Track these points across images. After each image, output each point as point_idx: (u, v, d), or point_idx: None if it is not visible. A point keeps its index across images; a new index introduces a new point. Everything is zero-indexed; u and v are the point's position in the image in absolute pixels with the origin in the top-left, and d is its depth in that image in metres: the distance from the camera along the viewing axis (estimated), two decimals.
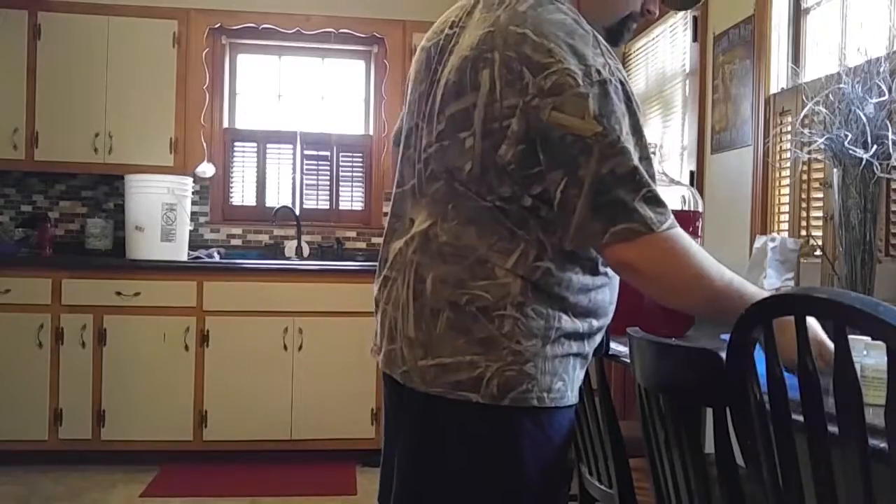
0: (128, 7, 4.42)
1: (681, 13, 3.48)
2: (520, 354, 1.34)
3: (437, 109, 1.41)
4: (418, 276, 1.40)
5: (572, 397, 1.42)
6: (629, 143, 1.28)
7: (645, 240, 1.26)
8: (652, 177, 1.29)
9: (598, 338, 1.47)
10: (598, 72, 1.28)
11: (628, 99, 1.31)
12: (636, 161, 1.27)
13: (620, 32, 1.52)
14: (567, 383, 1.39)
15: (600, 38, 1.35)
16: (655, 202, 1.27)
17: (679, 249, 1.29)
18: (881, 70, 1.97)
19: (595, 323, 1.43)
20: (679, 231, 1.29)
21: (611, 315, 1.48)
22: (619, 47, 1.55)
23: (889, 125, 1.93)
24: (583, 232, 1.29)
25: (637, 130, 1.30)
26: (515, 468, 1.37)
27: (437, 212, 1.40)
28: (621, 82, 1.30)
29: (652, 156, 1.34)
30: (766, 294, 1.31)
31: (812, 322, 1.30)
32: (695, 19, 3.43)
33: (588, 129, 1.26)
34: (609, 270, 1.41)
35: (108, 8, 4.40)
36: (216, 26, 4.63)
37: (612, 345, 2.00)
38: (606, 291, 1.43)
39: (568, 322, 1.38)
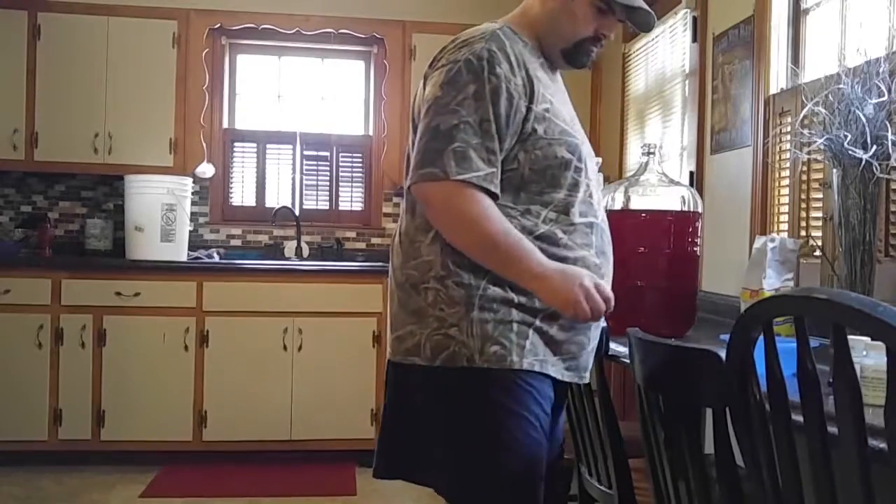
0: (127, 7, 4.41)
1: (680, 14, 3.48)
2: (443, 321, 1.55)
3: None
4: (390, 269, 1.71)
5: (521, 363, 1.55)
6: (464, 106, 1.51)
7: (438, 184, 1.51)
8: (486, 135, 1.51)
9: (559, 318, 1.58)
10: (464, 54, 1.54)
11: (482, 71, 1.52)
12: (462, 120, 1.50)
13: (578, 55, 1.70)
14: (509, 348, 1.54)
15: (507, 36, 1.59)
16: (462, 157, 1.50)
17: (461, 198, 1.50)
18: (881, 70, 1.97)
19: (538, 300, 1.56)
20: (475, 192, 1.50)
21: None
22: (582, 69, 1.76)
23: (888, 126, 1.93)
24: (410, 175, 1.56)
25: (481, 97, 1.51)
26: (462, 423, 1.56)
27: (401, 211, 1.70)
28: (484, 60, 1.53)
29: (501, 124, 1.53)
30: (537, 263, 1.53)
31: (585, 274, 1.54)
32: (694, 20, 3.43)
33: (432, 94, 1.55)
34: (561, 252, 1.58)
35: (107, 8, 4.39)
36: (216, 27, 4.63)
37: (612, 345, 2.01)
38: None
39: (497, 290, 1.55)
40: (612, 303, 1.58)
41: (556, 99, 1.66)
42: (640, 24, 1.74)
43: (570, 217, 1.61)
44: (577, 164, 1.62)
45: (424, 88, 1.61)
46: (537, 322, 1.56)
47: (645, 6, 1.69)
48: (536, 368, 1.56)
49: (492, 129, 1.52)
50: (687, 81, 3.54)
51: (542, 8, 1.68)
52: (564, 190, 1.61)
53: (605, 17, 1.66)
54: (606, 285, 1.60)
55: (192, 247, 4.54)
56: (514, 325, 1.54)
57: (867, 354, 1.33)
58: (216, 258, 4.56)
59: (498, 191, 1.55)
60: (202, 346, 4.14)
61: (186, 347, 4.12)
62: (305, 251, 4.78)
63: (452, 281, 1.54)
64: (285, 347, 4.19)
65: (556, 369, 1.60)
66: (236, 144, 4.95)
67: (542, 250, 1.55)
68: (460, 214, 1.51)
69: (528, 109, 1.56)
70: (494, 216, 1.51)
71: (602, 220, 1.70)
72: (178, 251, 4.32)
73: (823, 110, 2.08)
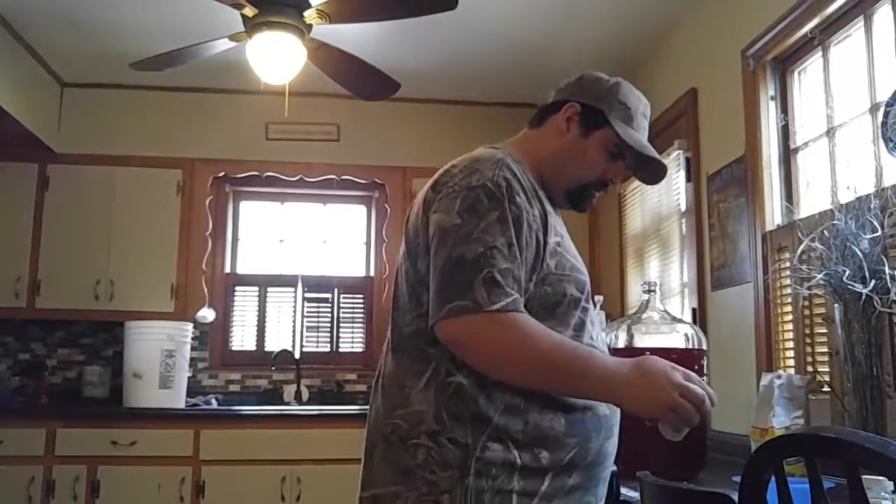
0: (134, 157, 4.54)
1: (673, 155, 3.57)
2: (434, 485, 1.32)
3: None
4: (371, 411, 1.51)
5: None
6: (489, 233, 1.35)
7: (470, 317, 1.31)
8: (514, 261, 1.34)
9: (568, 479, 1.35)
10: (479, 180, 1.40)
11: (502, 198, 1.38)
12: (488, 246, 1.34)
13: (581, 198, 1.60)
14: None
15: (513, 164, 1.45)
16: (493, 284, 1.32)
17: (499, 328, 1.32)
18: (872, 206, 2.00)
19: (546, 455, 1.34)
20: (513, 316, 1.32)
21: (573, 451, 1.37)
22: (583, 212, 1.65)
23: (885, 260, 1.94)
24: (431, 311, 1.36)
25: (505, 222, 1.37)
26: None
27: (386, 345, 1.54)
28: (502, 188, 1.40)
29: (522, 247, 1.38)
30: (610, 362, 1.35)
31: (666, 365, 1.33)
32: (687, 160, 3.51)
33: (449, 221, 1.38)
34: (568, 399, 1.38)
35: (115, 159, 4.53)
36: (220, 175, 4.74)
37: (623, 490, 1.94)
38: (559, 419, 1.36)
39: (497, 451, 1.33)
40: (713, 394, 1.33)
41: (565, 232, 1.54)
42: (648, 177, 1.62)
43: None
44: (584, 304, 1.48)
45: (426, 213, 1.44)
46: (543, 488, 1.33)
47: (658, 157, 1.59)
48: None
49: (518, 256, 1.35)
50: (683, 220, 3.59)
51: (550, 143, 1.58)
52: (571, 330, 1.43)
53: (615, 162, 1.58)
54: (692, 373, 1.35)
55: (191, 392, 4.48)
56: (514, 497, 1.31)
57: (887, 495, 1.28)
58: (214, 404, 4.49)
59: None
60: (198, 496, 4.00)
61: (182, 499, 3.99)
62: (305, 395, 4.71)
63: (447, 438, 1.33)
64: (283, 498, 4.05)
65: None
66: (238, 288, 4.98)
67: (548, 400, 1.35)
68: (503, 345, 1.32)
69: (544, 243, 1.42)
70: (539, 332, 1.33)
71: None
72: (177, 398, 4.25)
73: (820, 246, 2.10)
